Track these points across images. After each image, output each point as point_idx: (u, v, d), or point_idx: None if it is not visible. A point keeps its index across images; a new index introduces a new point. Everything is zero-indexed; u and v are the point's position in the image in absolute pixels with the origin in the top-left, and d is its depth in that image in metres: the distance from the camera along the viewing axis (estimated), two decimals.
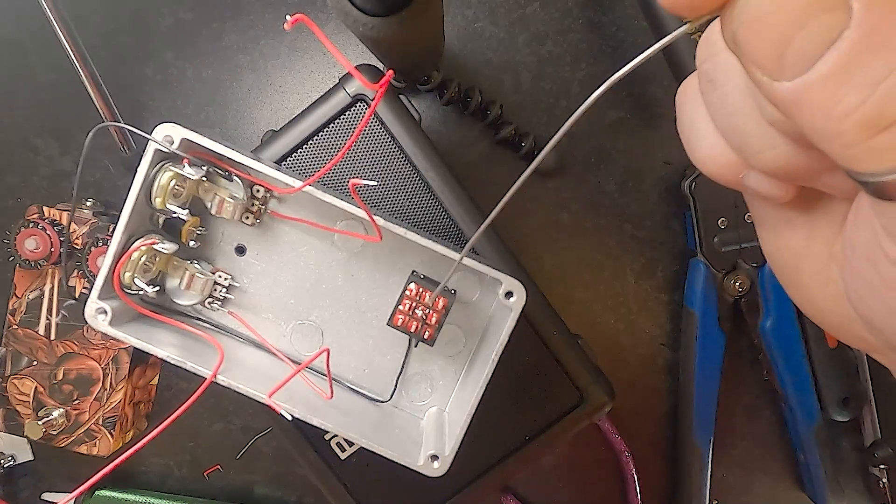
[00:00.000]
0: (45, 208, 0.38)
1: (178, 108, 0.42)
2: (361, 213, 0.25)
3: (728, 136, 0.14)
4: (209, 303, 0.30)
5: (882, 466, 0.41)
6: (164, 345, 0.26)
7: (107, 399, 0.39)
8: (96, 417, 0.39)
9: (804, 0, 0.10)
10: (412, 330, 0.27)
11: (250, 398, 0.26)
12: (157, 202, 0.26)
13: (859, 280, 0.14)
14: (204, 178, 0.27)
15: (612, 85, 0.14)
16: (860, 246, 0.13)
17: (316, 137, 0.32)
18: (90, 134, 0.26)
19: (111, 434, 0.39)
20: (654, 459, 0.43)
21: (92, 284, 0.26)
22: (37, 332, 0.39)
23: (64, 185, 0.43)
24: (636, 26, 0.40)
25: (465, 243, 0.32)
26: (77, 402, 0.39)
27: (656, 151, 0.41)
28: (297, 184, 0.25)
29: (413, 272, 0.29)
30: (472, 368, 0.30)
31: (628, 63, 0.13)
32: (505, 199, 0.17)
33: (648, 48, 0.13)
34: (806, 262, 0.16)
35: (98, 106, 0.38)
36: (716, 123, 0.14)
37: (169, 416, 0.24)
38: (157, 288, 0.28)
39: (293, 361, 0.29)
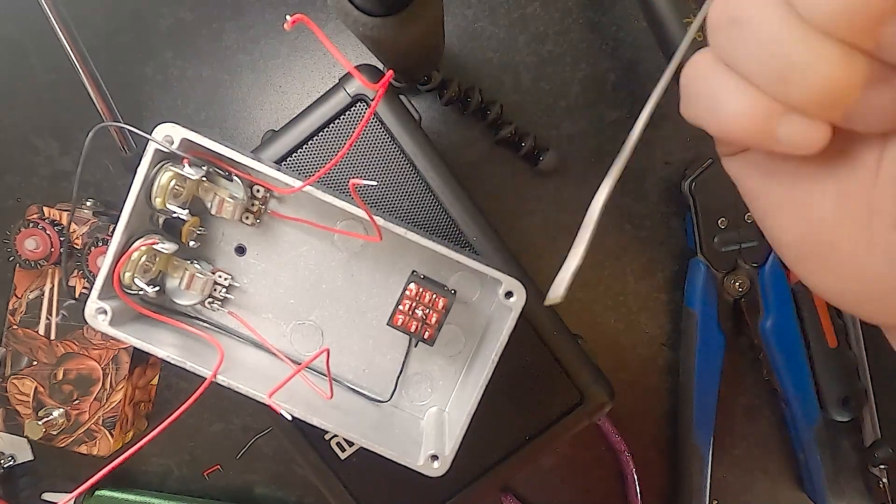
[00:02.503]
0: (45, 208, 0.38)
1: (178, 108, 0.42)
2: (361, 213, 0.25)
3: (765, 72, 0.14)
4: (209, 303, 0.30)
5: (882, 466, 0.40)
6: (164, 345, 0.26)
7: (107, 399, 0.39)
8: (96, 417, 0.39)
9: None
10: (412, 330, 0.27)
11: (250, 398, 0.26)
12: (157, 202, 0.26)
13: None
14: (204, 178, 0.27)
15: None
16: None
17: (316, 137, 0.32)
18: (90, 134, 0.26)
19: (111, 434, 0.39)
20: (654, 459, 0.43)
21: (92, 284, 0.26)
22: (37, 332, 0.39)
23: (64, 185, 0.43)
24: (636, 26, 0.40)
25: (465, 243, 0.32)
26: (77, 402, 0.39)
27: (656, 151, 0.41)
28: (297, 184, 0.25)
29: (413, 272, 0.29)
30: (472, 368, 0.30)
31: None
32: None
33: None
34: (842, 228, 0.15)
35: (98, 106, 0.38)
36: (746, 67, 0.14)
37: (169, 416, 0.24)
38: (157, 288, 0.28)
39: (293, 361, 0.29)
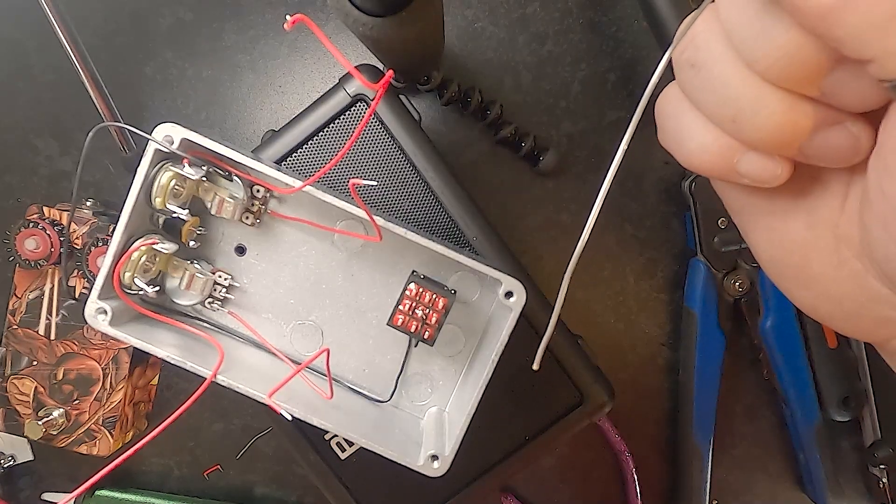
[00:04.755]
0: (45, 208, 0.38)
1: (178, 108, 0.42)
2: (361, 213, 0.25)
3: (719, 113, 0.14)
4: (209, 303, 0.30)
5: (882, 466, 0.40)
6: (164, 345, 0.26)
7: (107, 399, 0.39)
8: (96, 417, 0.39)
9: None
10: (412, 330, 0.27)
11: (250, 398, 0.26)
12: (157, 202, 0.26)
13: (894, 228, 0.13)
14: (204, 178, 0.27)
15: None
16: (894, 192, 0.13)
17: (316, 137, 0.32)
18: (90, 134, 0.26)
19: (111, 434, 0.39)
20: (654, 459, 0.43)
21: (92, 284, 0.26)
22: (37, 332, 0.39)
23: (64, 185, 0.43)
24: (636, 26, 0.40)
25: (465, 243, 0.32)
26: (77, 402, 0.39)
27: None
28: (297, 184, 0.25)
29: (413, 272, 0.29)
30: (471, 368, 0.30)
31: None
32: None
33: None
34: (812, 252, 0.16)
35: (98, 106, 0.38)
36: (704, 107, 0.15)
37: (169, 416, 0.24)
38: (157, 288, 0.28)
39: (293, 361, 0.29)
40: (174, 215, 0.26)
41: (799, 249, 0.16)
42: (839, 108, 0.13)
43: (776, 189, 0.16)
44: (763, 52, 0.13)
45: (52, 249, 0.37)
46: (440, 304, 0.27)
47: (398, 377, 0.30)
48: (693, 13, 0.15)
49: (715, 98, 0.14)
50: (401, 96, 0.33)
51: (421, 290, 0.27)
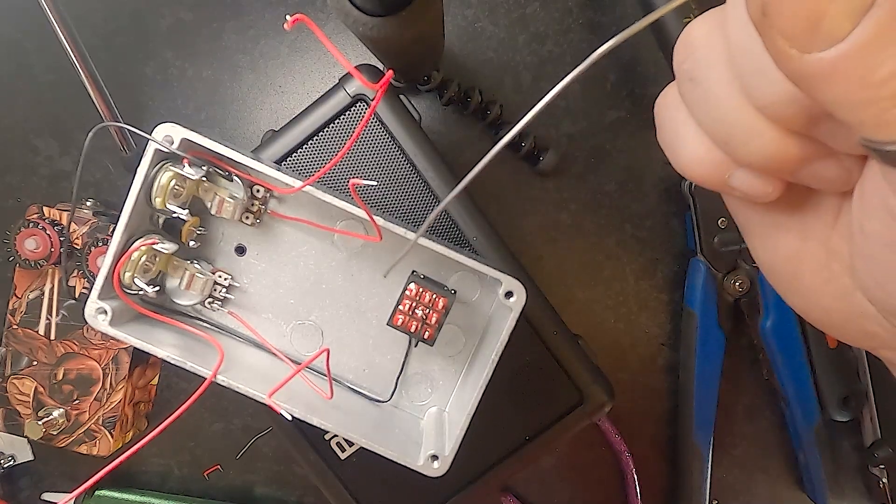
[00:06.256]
0: (45, 208, 0.38)
1: (178, 108, 0.42)
2: (361, 213, 0.25)
3: (713, 132, 0.14)
4: (209, 303, 0.30)
5: (882, 466, 0.41)
6: (164, 345, 0.26)
7: (107, 399, 0.39)
8: (96, 417, 0.39)
9: None
10: (412, 330, 0.27)
11: (250, 398, 0.26)
12: (157, 202, 0.26)
13: (877, 267, 0.13)
14: (204, 178, 0.27)
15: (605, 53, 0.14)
16: (875, 233, 0.13)
17: (316, 137, 0.32)
18: (90, 134, 0.26)
19: (111, 434, 0.39)
20: (654, 459, 0.43)
21: (92, 284, 0.26)
22: (37, 332, 0.39)
23: (64, 185, 0.43)
24: None
25: (465, 243, 0.32)
26: (77, 402, 0.39)
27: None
28: (297, 184, 0.25)
29: (413, 272, 0.29)
30: (472, 368, 0.30)
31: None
32: (478, 167, 0.17)
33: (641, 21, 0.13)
34: (803, 265, 0.16)
35: (98, 106, 0.38)
36: (699, 122, 0.15)
37: (169, 416, 0.24)
38: (157, 288, 0.28)
39: (293, 361, 0.29)
40: (174, 215, 0.26)
41: (792, 260, 0.16)
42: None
43: (770, 202, 0.16)
44: (761, 89, 0.13)
45: (52, 249, 0.37)
46: (440, 304, 0.27)
47: (398, 377, 0.30)
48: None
49: (710, 117, 0.14)
50: (401, 96, 0.33)
51: (421, 290, 0.27)
